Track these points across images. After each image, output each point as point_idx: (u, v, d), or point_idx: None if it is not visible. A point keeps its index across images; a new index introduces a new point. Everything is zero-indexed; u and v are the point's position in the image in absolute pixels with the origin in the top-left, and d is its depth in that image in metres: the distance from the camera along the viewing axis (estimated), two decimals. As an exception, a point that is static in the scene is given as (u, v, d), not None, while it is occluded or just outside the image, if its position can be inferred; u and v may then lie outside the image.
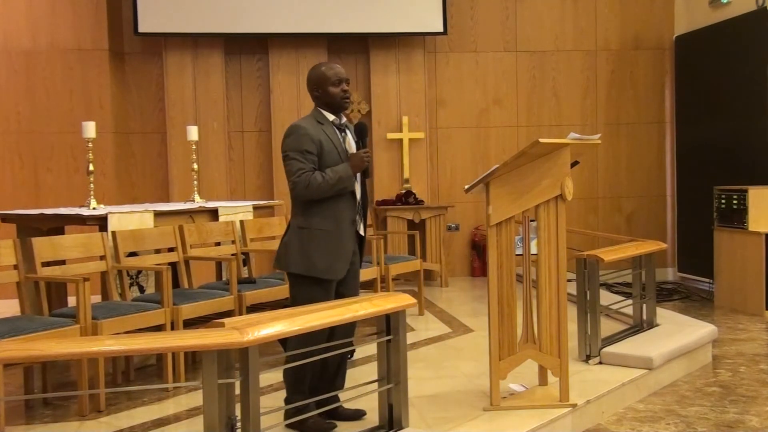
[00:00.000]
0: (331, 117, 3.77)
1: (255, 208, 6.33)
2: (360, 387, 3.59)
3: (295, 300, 3.72)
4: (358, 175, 3.74)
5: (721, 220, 7.31)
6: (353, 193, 3.74)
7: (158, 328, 4.57)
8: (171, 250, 5.30)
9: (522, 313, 4.00)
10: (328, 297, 3.70)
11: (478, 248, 8.88)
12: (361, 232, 3.89)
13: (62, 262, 4.71)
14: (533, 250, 3.97)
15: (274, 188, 8.53)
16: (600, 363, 4.78)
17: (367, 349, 5.27)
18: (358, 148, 3.78)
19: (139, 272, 5.20)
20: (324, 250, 3.68)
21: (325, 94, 3.75)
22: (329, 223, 3.70)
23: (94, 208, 5.54)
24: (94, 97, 8.22)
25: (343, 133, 3.79)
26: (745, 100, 7.62)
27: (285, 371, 3.68)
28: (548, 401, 4.00)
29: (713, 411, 4.30)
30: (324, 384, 3.78)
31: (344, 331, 3.75)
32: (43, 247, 4.50)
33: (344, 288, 3.84)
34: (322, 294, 3.67)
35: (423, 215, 8.38)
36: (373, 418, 3.63)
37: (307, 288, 3.69)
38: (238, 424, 2.85)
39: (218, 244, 5.71)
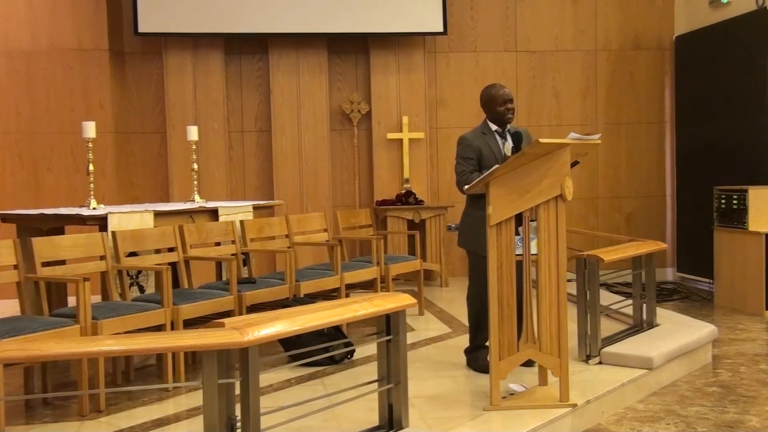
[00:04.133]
0: (494, 127, 4.71)
1: (255, 208, 6.32)
2: (360, 387, 3.59)
3: (469, 269, 4.79)
4: None
5: (721, 220, 7.31)
6: None
7: (158, 328, 4.57)
8: (171, 250, 5.30)
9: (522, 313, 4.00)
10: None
11: (478, 248, 8.86)
12: None
13: (62, 262, 4.70)
14: (533, 250, 3.97)
15: (274, 188, 8.54)
16: (600, 363, 4.78)
17: (367, 349, 5.27)
18: (514, 153, 4.49)
19: (139, 272, 5.20)
20: (481, 231, 4.24)
21: (493, 112, 4.68)
22: (482, 212, 4.23)
23: (94, 208, 5.54)
24: (94, 97, 8.22)
25: (504, 140, 4.70)
26: (745, 100, 7.62)
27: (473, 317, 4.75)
28: (548, 401, 4.00)
29: (713, 411, 4.30)
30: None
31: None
32: (43, 247, 4.50)
33: None
34: (485, 265, 4.24)
35: (423, 215, 8.38)
36: (373, 418, 3.63)
37: (477, 260, 4.56)
38: (238, 424, 2.85)
39: (218, 244, 5.71)
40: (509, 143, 4.66)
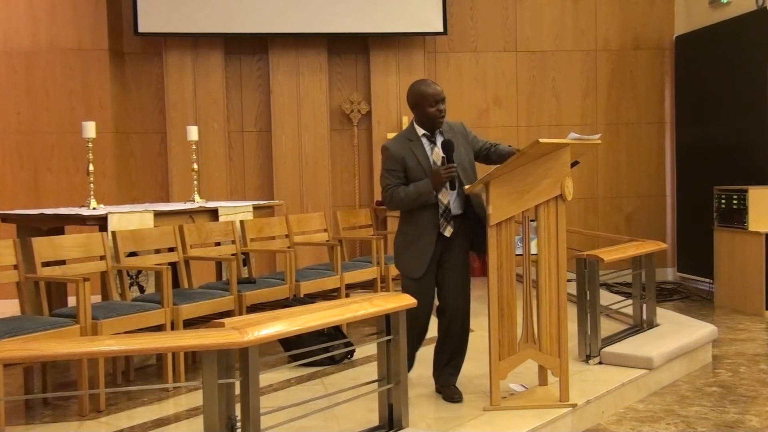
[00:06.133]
0: (421, 132, 4.12)
1: (255, 208, 6.33)
2: (360, 387, 3.59)
3: (402, 289, 4.17)
4: (448, 185, 4.05)
5: (721, 220, 7.31)
6: (436, 203, 4.07)
7: (158, 328, 4.57)
8: (171, 250, 5.30)
9: (522, 313, 4.00)
10: (422, 290, 4.07)
11: (478, 248, 8.86)
12: (446, 234, 4.11)
13: (62, 262, 4.70)
14: (533, 250, 3.97)
15: (274, 188, 8.53)
16: (600, 363, 4.78)
17: (367, 349, 5.27)
18: (443, 164, 4.03)
19: (139, 272, 5.20)
20: (408, 252, 4.16)
21: (423, 113, 4.08)
22: (413, 229, 4.13)
23: (94, 208, 5.54)
24: (94, 97, 8.22)
25: (433, 145, 4.12)
26: (745, 100, 7.61)
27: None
28: (548, 401, 4.00)
29: (713, 411, 4.30)
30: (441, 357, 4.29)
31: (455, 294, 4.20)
32: (43, 247, 4.50)
33: (442, 280, 4.18)
34: (414, 287, 4.07)
35: (423, 215, 8.35)
36: (373, 418, 3.63)
37: (405, 281, 4.19)
38: (238, 424, 2.85)
39: (218, 244, 5.71)
40: (438, 149, 4.09)
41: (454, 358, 4.27)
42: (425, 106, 4.06)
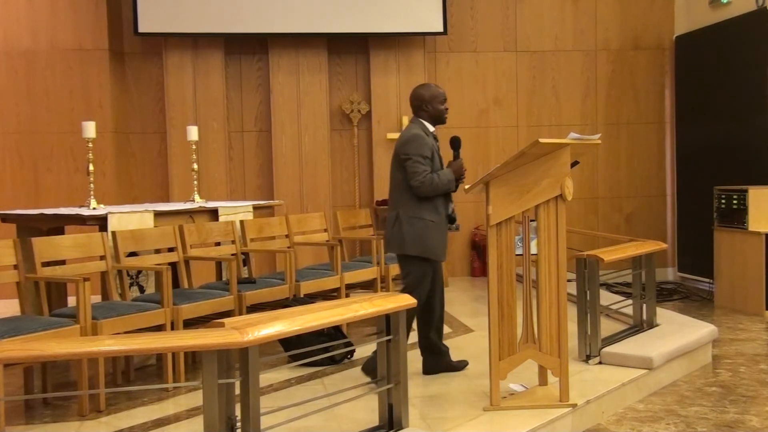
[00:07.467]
0: (431, 128, 4.60)
1: (255, 208, 6.33)
2: (360, 387, 3.60)
3: (410, 275, 4.53)
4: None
5: (721, 220, 7.31)
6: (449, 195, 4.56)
7: (158, 328, 4.57)
8: (171, 250, 5.30)
9: (522, 313, 4.00)
10: (435, 273, 4.58)
11: (478, 248, 8.87)
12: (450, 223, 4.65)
13: (62, 262, 4.70)
14: (533, 250, 3.97)
15: (274, 188, 8.54)
16: (600, 363, 4.78)
17: (367, 349, 5.27)
18: (453, 158, 4.56)
19: (139, 272, 5.20)
20: (435, 236, 4.48)
21: (435, 109, 4.58)
22: (436, 216, 4.48)
23: (94, 208, 5.54)
24: (94, 97, 8.22)
25: (436, 142, 4.61)
26: (745, 100, 7.61)
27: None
28: (548, 401, 4.00)
29: (713, 411, 4.30)
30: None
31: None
32: (43, 247, 4.50)
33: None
34: (430, 270, 4.52)
35: (423, 215, 8.36)
36: (373, 418, 3.63)
37: (420, 266, 4.49)
38: (238, 424, 2.85)
39: (218, 244, 5.71)
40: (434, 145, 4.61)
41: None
42: (437, 103, 4.57)
